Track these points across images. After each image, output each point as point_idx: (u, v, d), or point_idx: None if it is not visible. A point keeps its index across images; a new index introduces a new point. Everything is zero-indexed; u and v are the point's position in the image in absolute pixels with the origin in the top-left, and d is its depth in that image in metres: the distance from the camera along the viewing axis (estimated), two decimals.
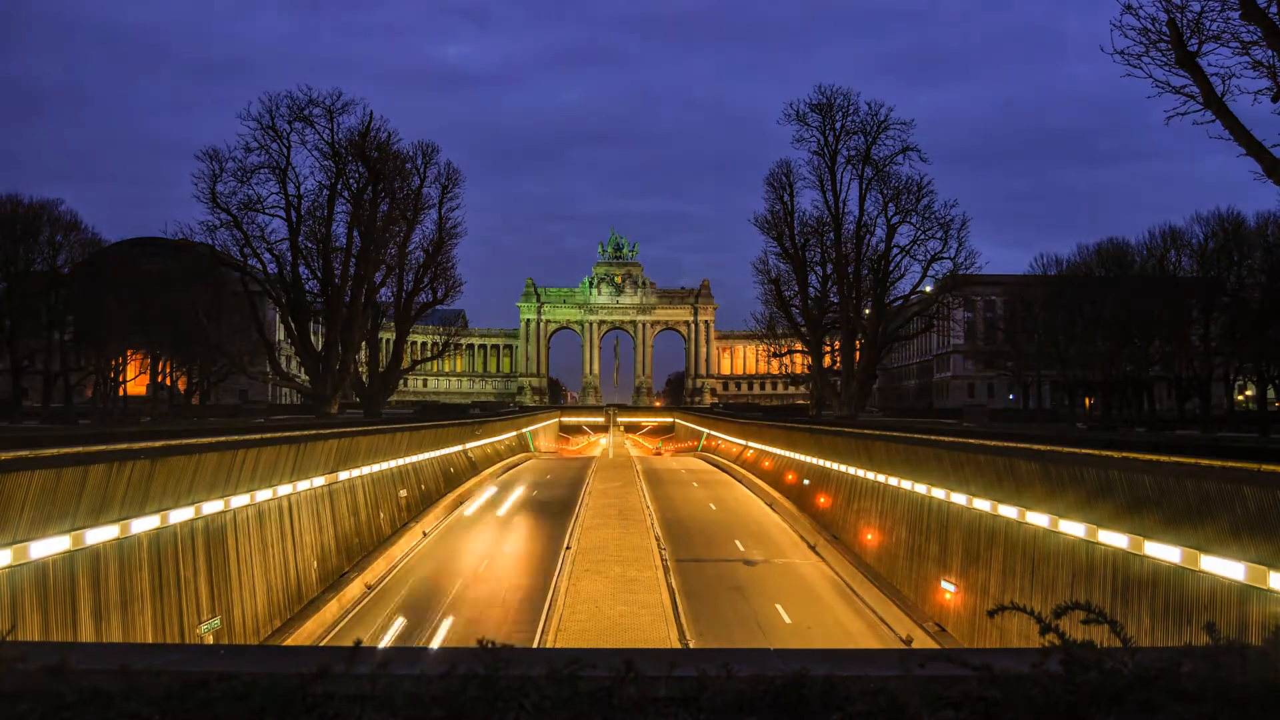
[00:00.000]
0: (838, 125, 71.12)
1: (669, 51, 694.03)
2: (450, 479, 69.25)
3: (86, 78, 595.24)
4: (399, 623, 35.96)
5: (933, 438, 39.47)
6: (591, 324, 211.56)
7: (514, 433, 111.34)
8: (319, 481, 40.57)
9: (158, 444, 25.94)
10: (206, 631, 28.49)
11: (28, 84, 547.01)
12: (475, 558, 48.00)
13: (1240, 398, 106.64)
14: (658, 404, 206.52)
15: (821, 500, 57.00)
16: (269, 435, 35.45)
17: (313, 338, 69.69)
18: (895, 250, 71.55)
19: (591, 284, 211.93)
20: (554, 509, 64.51)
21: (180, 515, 27.52)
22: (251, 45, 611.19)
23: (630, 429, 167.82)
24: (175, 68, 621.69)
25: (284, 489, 36.27)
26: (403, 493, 55.27)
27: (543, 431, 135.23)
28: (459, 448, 75.09)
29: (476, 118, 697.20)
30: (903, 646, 31.14)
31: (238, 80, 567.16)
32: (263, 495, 33.95)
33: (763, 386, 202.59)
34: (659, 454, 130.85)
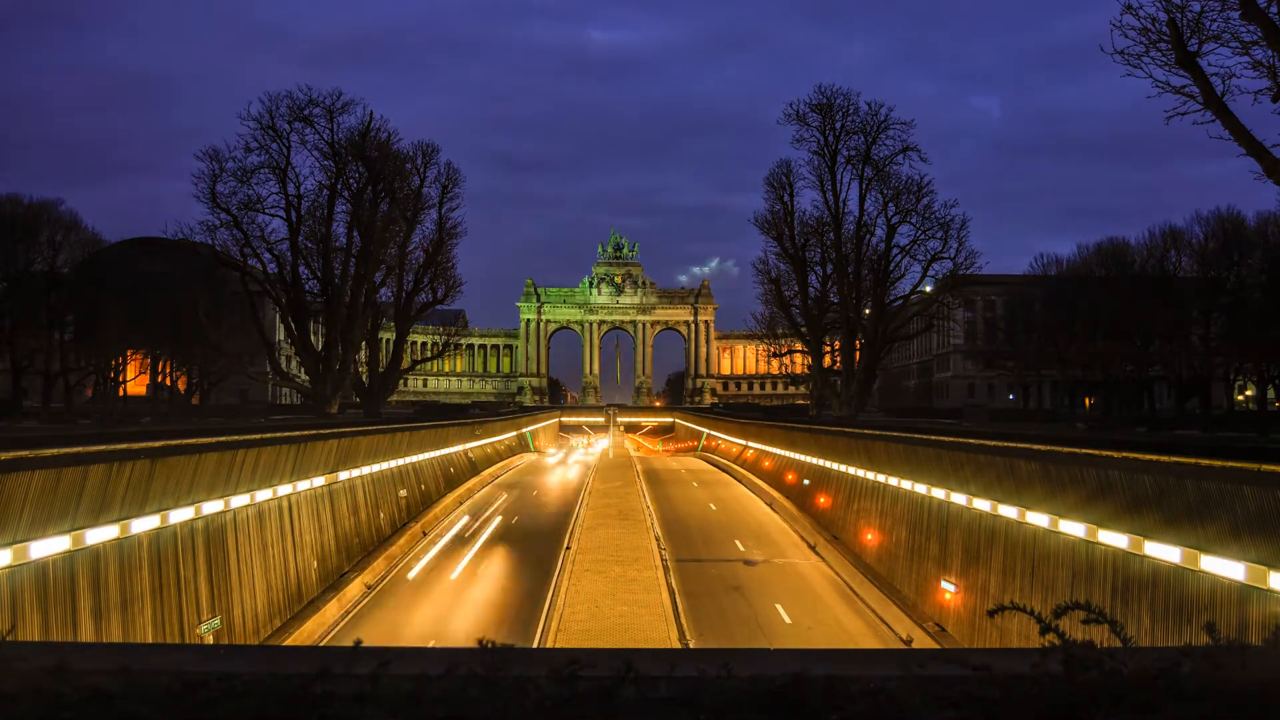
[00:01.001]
0: (838, 125, 71.20)
1: (821, 37, 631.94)
2: (450, 479, 69.27)
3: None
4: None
5: (933, 438, 39.48)
6: (591, 324, 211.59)
7: (514, 433, 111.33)
8: (319, 481, 40.58)
9: (158, 444, 25.95)
10: (206, 631, 28.49)
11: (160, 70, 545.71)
12: (477, 559, 48.04)
13: (1240, 398, 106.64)
14: (658, 404, 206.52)
15: (821, 500, 57.01)
16: (269, 435, 35.46)
17: (313, 338, 69.72)
18: (895, 250, 71.64)
19: (591, 284, 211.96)
20: (554, 509, 64.55)
21: (180, 515, 27.53)
22: (387, 22, 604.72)
23: (630, 429, 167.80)
24: (303, 44, 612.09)
25: (284, 489, 36.28)
26: (403, 492, 55.28)
27: (543, 431, 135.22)
28: (459, 448, 75.12)
29: (602, 102, 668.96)
30: (903, 646, 31.16)
31: (371, 61, 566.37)
32: (263, 495, 33.95)
33: (763, 386, 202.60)
34: (659, 454, 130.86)
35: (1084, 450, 26.17)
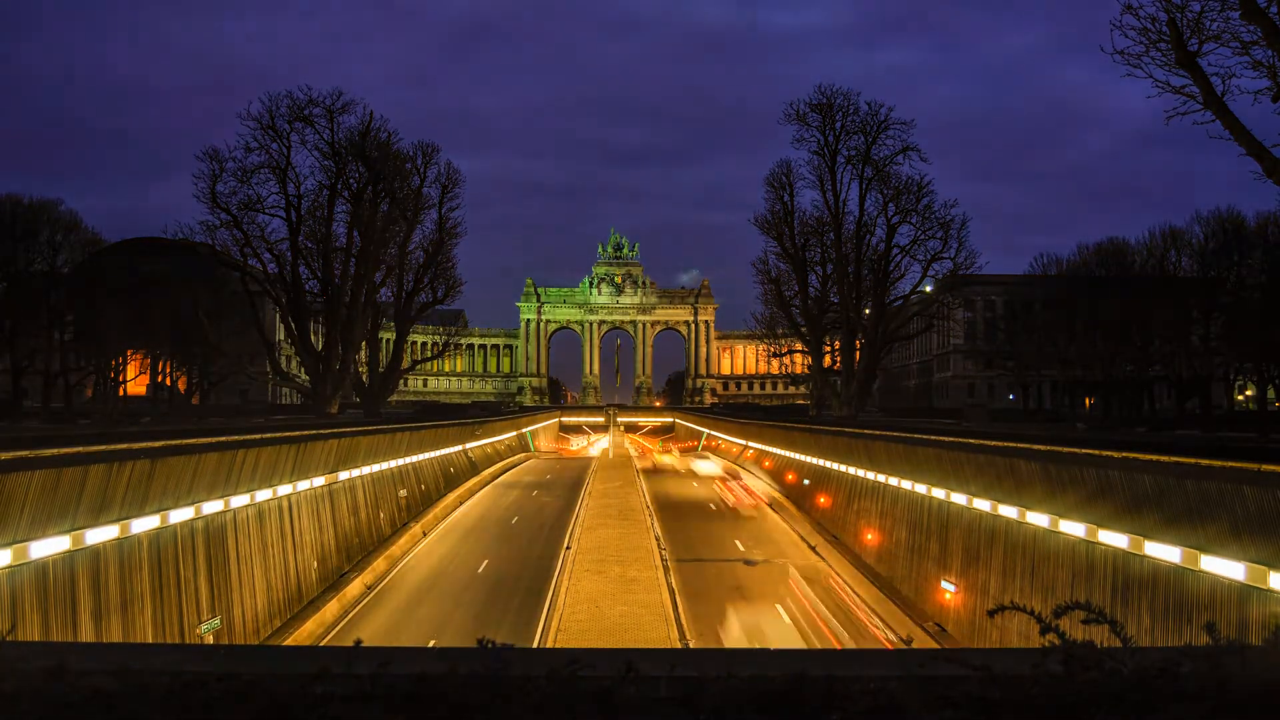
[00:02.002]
0: (838, 125, 71.20)
1: (985, 19, 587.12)
2: (450, 479, 69.27)
3: None
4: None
5: (933, 438, 39.48)
6: (591, 324, 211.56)
7: (514, 433, 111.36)
8: (319, 481, 40.57)
9: (158, 444, 25.95)
10: (206, 631, 28.49)
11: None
12: (477, 559, 48.03)
13: (1240, 398, 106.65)
14: (658, 404, 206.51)
15: (822, 500, 57.00)
16: (269, 435, 35.46)
17: (313, 338, 69.72)
18: (895, 250, 71.65)
19: (591, 284, 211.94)
20: (553, 509, 64.55)
21: (180, 515, 27.52)
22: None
23: (630, 429, 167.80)
24: (433, 27, 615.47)
25: (284, 489, 36.27)
26: (403, 492, 55.28)
27: (543, 431, 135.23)
28: (459, 448, 75.11)
29: (733, 86, 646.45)
30: (903, 646, 31.13)
31: (494, 41, 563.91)
32: (263, 495, 33.95)
33: (763, 386, 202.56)
34: (659, 454, 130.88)
35: (1084, 450, 26.18)
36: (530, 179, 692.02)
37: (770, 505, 67.37)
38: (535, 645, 31.38)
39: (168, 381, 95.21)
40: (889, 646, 32.03)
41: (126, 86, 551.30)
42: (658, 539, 51.71)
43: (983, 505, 32.70)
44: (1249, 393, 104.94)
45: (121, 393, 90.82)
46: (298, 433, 38.61)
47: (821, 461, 59.01)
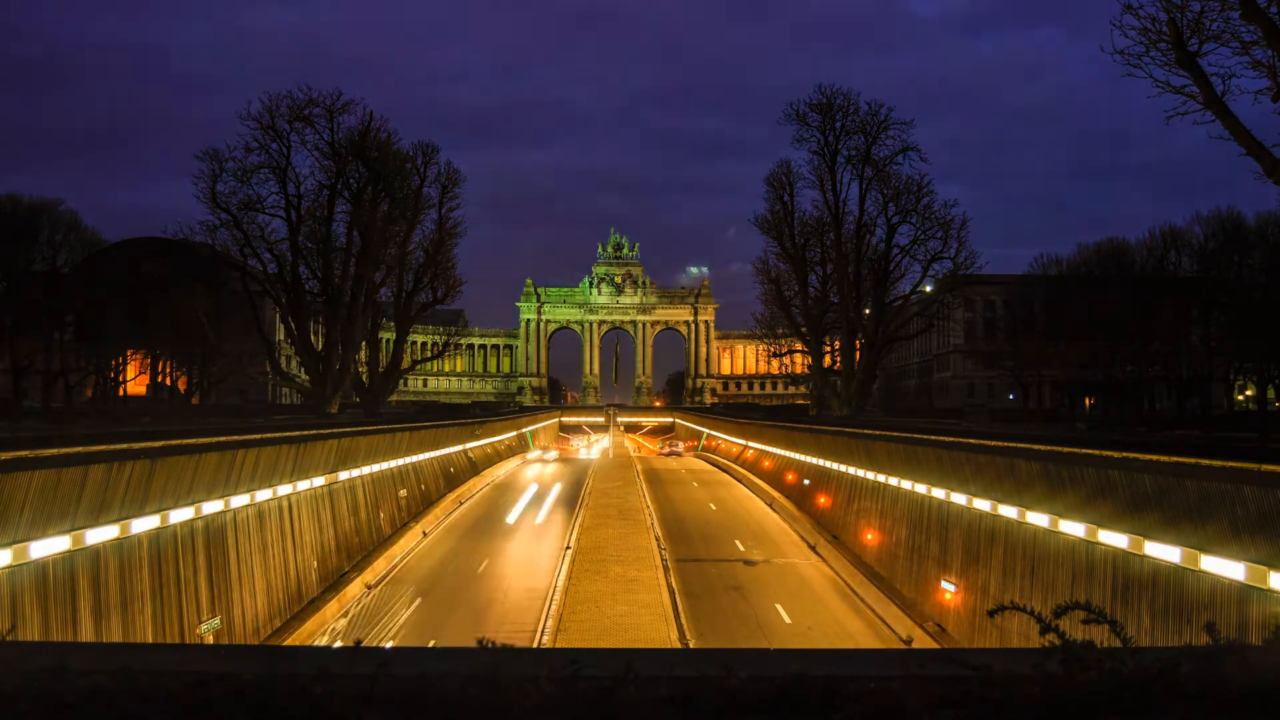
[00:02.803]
0: (838, 125, 71.21)
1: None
2: (450, 479, 69.26)
3: None
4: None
5: (933, 438, 39.48)
6: (591, 324, 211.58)
7: (514, 433, 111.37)
8: (319, 481, 40.58)
9: (158, 444, 25.95)
10: (206, 631, 28.49)
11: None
12: (477, 559, 48.05)
13: (1240, 398, 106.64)
14: (658, 404, 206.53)
15: (821, 500, 57.01)
16: (269, 435, 35.46)
17: (313, 338, 69.72)
18: (895, 250, 71.67)
19: (591, 284, 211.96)
20: (554, 508, 64.54)
21: (180, 515, 27.53)
22: None
23: (630, 429, 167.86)
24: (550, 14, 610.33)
25: (284, 489, 36.28)
26: (403, 492, 55.28)
27: (543, 431, 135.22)
28: (459, 448, 75.11)
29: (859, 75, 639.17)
30: (903, 646, 31.16)
31: (601, 27, 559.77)
32: (263, 495, 33.95)
33: (763, 386, 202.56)
34: (659, 454, 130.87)
35: (1084, 450, 26.17)
36: (607, 169, 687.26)
37: (770, 505, 67.38)
38: (535, 645, 31.38)
39: (168, 381, 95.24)
40: (889, 646, 32.04)
41: (214, 72, 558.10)
42: (657, 539, 51.72)
43: (983, 505, 32.70)
44: (1249, 393, 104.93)
45: (121, 393, 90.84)
46: (298, 433, 38.61)
47: (821, 461, 59.01)
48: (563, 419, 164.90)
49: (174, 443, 27.05)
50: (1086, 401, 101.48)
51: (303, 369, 73.40)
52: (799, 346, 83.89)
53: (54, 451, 21.45)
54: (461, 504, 66.62)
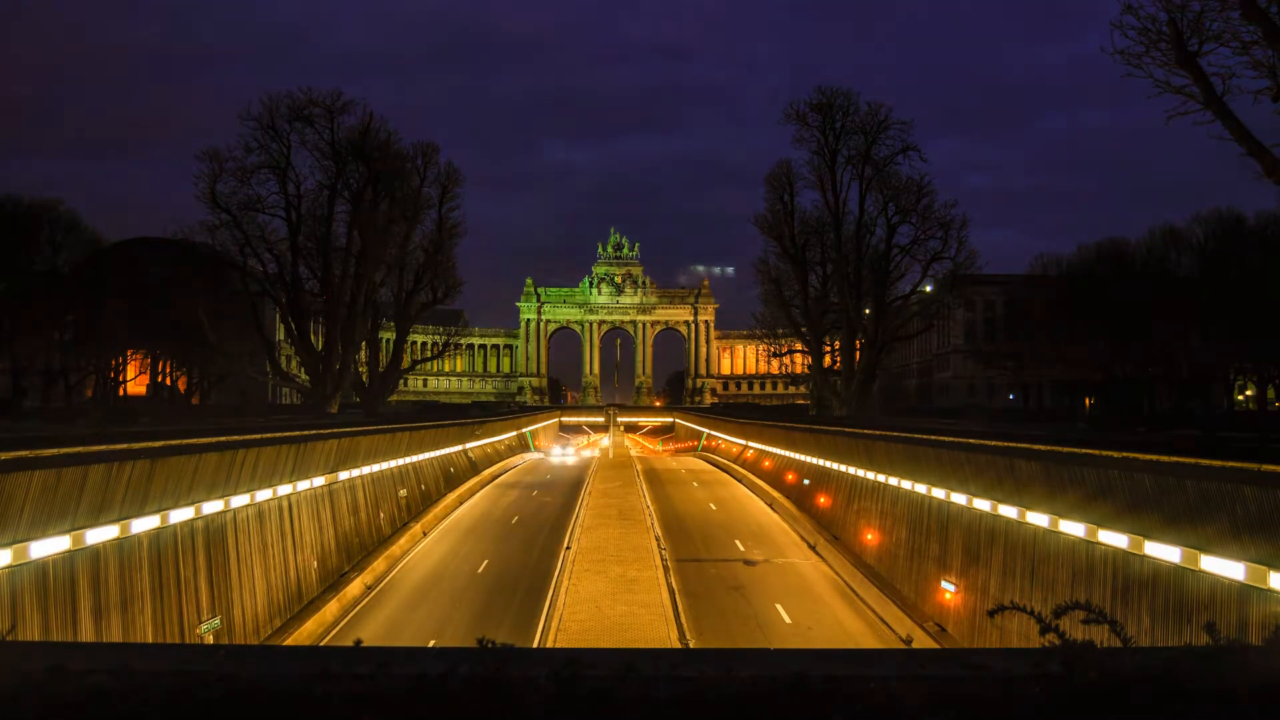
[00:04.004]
0: (837, 125, 71.25)
1: None
2: (450, 479, 69.27)
3: None
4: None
5: (933, 438, 39.47)
6: (591, 324, 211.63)
7: (514, 432, 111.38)
8: (319, 481, 40.58)
9: (158, 444, 25.95)
10: (206, 631, 28.49)
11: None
12: (476, 559, 48.05)
13: (1240, 398, 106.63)
14: (658, 404, 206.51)
15: (821, 500, 57.00)
16: (269, 435, 35.45)
17: (313, 338, 69.74)
18: (895, 250, 71.69)
19: (591, 284, 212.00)
20: (553, 509, 64.54)
21: (180, 515, 27.53)
22: None
23: (630, 429, 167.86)
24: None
25: (284, 489, 36.28)
26: (403, 492, 55.29)
27: (543, 431, 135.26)
28: (459, 447, 75.12)
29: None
30: (903, 646, 31.16)
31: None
32: (263, 495, 33.96)
33: (763, 386, 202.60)
34: (659, 454, 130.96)
35: (1084, 450, 26.17)
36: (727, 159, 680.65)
37: (770, 505, 67.37)
38: (535, 645, 31.38)
39: (168, 381, 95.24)
40: (889, 646, 32.03)
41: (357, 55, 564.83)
42: (657, 539, 51.72)
43: (983, 505, 32.70)
44: (1249, 393, 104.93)
45: (121, 393, 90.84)
46: (298, 433, 38.60)
47: (821, 461, 59.01)
48: (563, 419, 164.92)
49: (174, 443, 27.05)
50: (1086, 401, 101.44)
51: (303, 369, 73.42)
52: (799, 346, 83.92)
53: (54, 451, 21.46)
54: (462, 503, 66.62)
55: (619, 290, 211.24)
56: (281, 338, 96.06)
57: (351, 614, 37.97)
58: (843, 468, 53.73)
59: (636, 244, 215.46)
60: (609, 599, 38.79)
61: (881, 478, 45.77)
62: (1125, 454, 23.77)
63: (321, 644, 32.78)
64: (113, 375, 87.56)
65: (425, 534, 54.48)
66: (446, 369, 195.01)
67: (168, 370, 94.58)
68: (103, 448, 23.45)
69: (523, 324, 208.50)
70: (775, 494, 69.47)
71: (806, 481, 62.24)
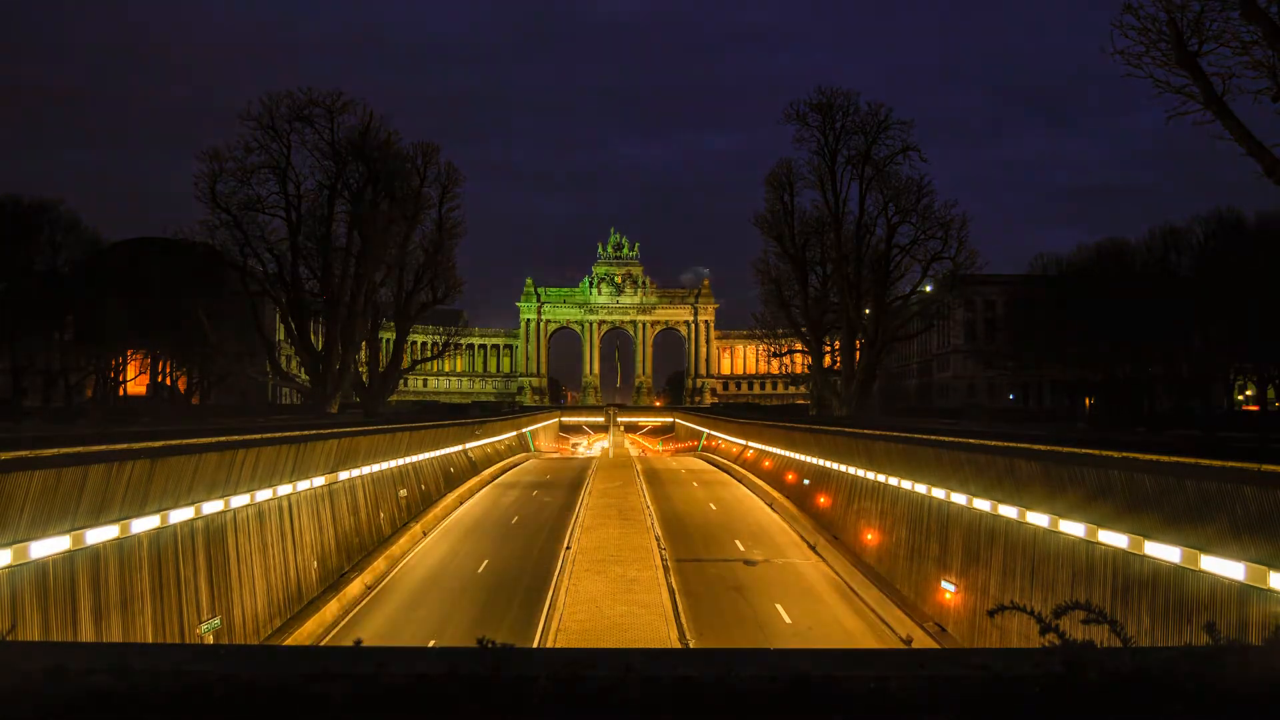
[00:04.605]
0: (837, 125, 71.29)
1: None
2: (450, 479, 69.26)
3: None
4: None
5: (933, 438, 39.47)
6: (591, 324, 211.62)
7: (514, 433, 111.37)
8: (319, 481, 40.57)
9: (158, 444, 25.95)
10: (206, 631, 28.49)
11: None
12: (476, 559, 48.06)
13: (1240, 398, 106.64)
14: (658, 404, 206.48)
15: (821, 500, 57.00)
16: (269, 435, 35.44)
17: (313, 338, 69.74)
18: (895, 250, 71.70)
19: (591, 284, 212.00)
20: (553, 508, 64.55)
21: (180, 515, 27.53)
22: None
23: (630, 429, 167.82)
24: None
25: (284, 489, 36.28)
26: (403, 492, 55.29)
27: (543, 431, 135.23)
28: (459, 447, 75.11)
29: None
30: (903, 646, 31.16)
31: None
32: (263, 495, 33.95)
33: (763, 386, 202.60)
34: (659, 454, 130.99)
35: (1084, 450, 26.17)
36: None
37: (770, 505, 67.37)
38: (535, 645, 31.38)
39: (168, 381, 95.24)
40: (889, 646, 32.03)
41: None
42: (658, 539, 51.71)
43: (983, 505, 32.70)
44: (1249, 393, 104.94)
45: (121, 393, 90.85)
46: (298, 433, 38.60)
47: (821, 461, 59.01)
48: (563, 419, 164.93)
49: (174, 443, 27.05)
50: (1086, 401, 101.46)
51: (303, 369, 73.44)
52: (799, 346, 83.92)
53: (54, 451, 21.45)
54: (462, 504, 66.61)
55: (619, 290, 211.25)
56: (281, 338, 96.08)
57: (351, 614, 37.97)
58: (843, 468, 53.72)
59: (636, 244, 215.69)
60: (609, 599, 38.78)
61: (881, 478, 45.76)
62: (1125, 454, 23.77)
63: (321, 644, 32.78)
64: (113, 375, 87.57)
65: (425, 534, 54.47)
66: (446, 369, 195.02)
67: (168, 370, 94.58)
68: (103, 448, 23.45)
69: (523, 324, 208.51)
70: (775, 494, 69.46)
71: (806, 481, 62.24)
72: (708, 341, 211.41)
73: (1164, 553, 21.96)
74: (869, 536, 46.37)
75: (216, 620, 29.24)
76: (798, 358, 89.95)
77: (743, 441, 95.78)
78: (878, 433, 47.84)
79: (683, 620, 35.62)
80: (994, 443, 32.22)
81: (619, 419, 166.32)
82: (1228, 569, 19.66)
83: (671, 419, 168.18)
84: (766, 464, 79.35)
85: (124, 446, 24.31)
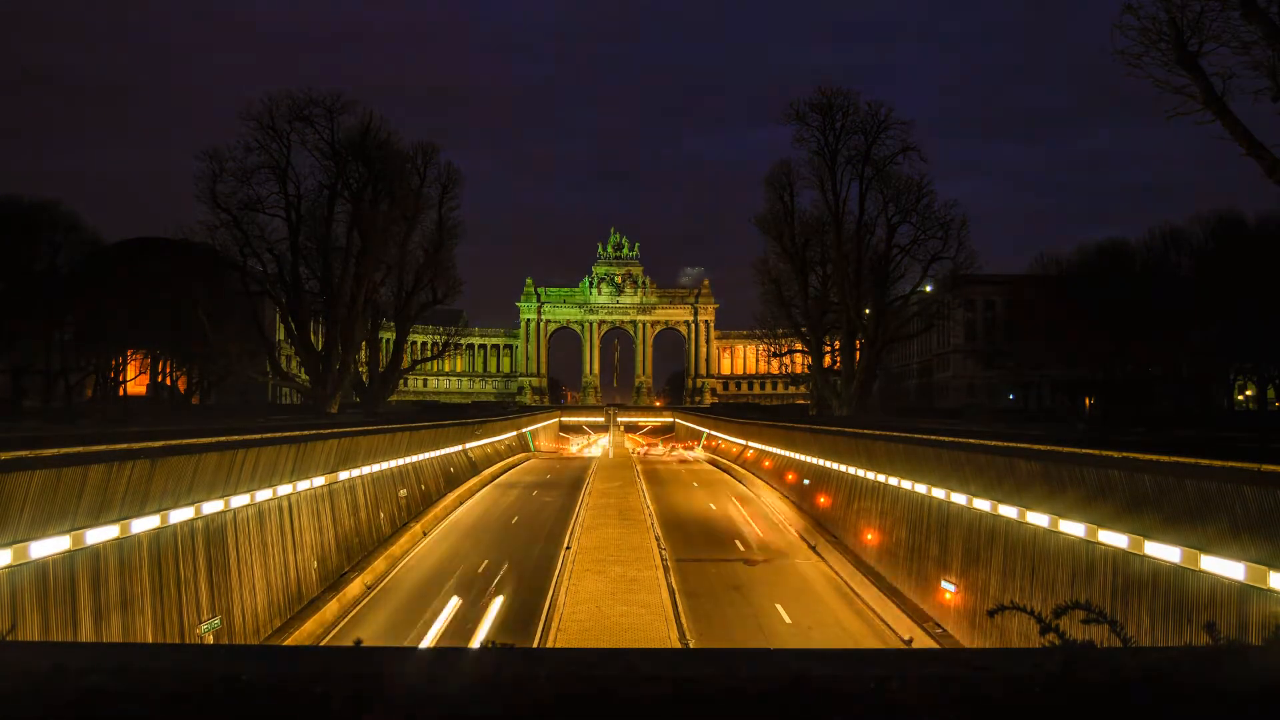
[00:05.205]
0: (837, 125, 71.23)
1: None
2: (450, 479, 69.26)
3: None
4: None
5: (933, 438, 39.46)
6: (591, 324, 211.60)
7: (514, 432, 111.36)
8: (319, 481, 40.57)
9: (158, 444, 25.95)
10: (206, 631, 28.49)
11: None
12: (477, 559, 48.03)
13: (1240, 398, 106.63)
14: (658, 404, 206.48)
15: (821, 500, 57.01)
16: (269, 435, 35.44)
17: (313, 338, 69.72)
18: (895, 250, 71.68)
19: (591, 284, 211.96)
20: (553, 509, 64.55)
21: (180, 515, 27.53)
22: None
23: (630, 429, 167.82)
24: None
25: (284, 489, 36.27)
26: (403, 492, 55.28)
27: (543, 431, 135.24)
28: (459, 447, 75.11)
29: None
30: (903, 646, 31.16)
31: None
32: (263, 495, 33.95)
33: (763, 386, 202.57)
34: (660, 453, 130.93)
35: (1084, 450, 26.16)
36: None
37: (772, 506, 67.41)
38: (536, 645, 31.37)
39: (168, 381, 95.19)
40: (889, 646, 32.03)
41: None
42: (658, 539, 51.72)
43: (983, 505, 32.70)
44: (1249, 393, 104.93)
45: (121, 393, 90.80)
46: (298, 433, 38.59)
47: (821, 461, 59.01)
48: (563, 419, 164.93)
49: (174, 443, 27.05)
50: (1086, 401, 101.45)
51: (303, 369, 73.41)
52: (799, 346, 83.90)
53: (54, 451, 21.45)
54: (462, 504, 66.62)
55: (619, 290, 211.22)
56: (281, 338, 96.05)
57: (351, 614, 37.98)
58: (843, 467, 53.72)
59: (636, 244, 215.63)
60: (609, 599, 38.78)
61: (881, 478, 45.76)
62: (1125, 454, 23.77)
63: (321, 644, 32.78)
64: (113, 375, 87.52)
65: (425, 534, 54.48)
66: (446, 369, 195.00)
67: (168, 370, 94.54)
68: (103, 448, 23.45)
69: (523, 324, 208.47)
70: (775, 494, 69.49)
71: (806, 481, 62.24)
72: (708, 341, 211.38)
73: (1164, 553, 21.96)
74: (869, 536, 46.37)
75: (216, 620, 29.24)
76: (798, 358, 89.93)
77: (743, 441, 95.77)
78: (878, 433, 47.84)
79: (683, 620, 35.62)
80: (994, 443, 32.22)
81: (619, 419, 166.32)
82: (1228, 569, 19.66)
83: (671, 419, 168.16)
84: (766, 464, 79.35)
85: (124, 446, 24.31)
